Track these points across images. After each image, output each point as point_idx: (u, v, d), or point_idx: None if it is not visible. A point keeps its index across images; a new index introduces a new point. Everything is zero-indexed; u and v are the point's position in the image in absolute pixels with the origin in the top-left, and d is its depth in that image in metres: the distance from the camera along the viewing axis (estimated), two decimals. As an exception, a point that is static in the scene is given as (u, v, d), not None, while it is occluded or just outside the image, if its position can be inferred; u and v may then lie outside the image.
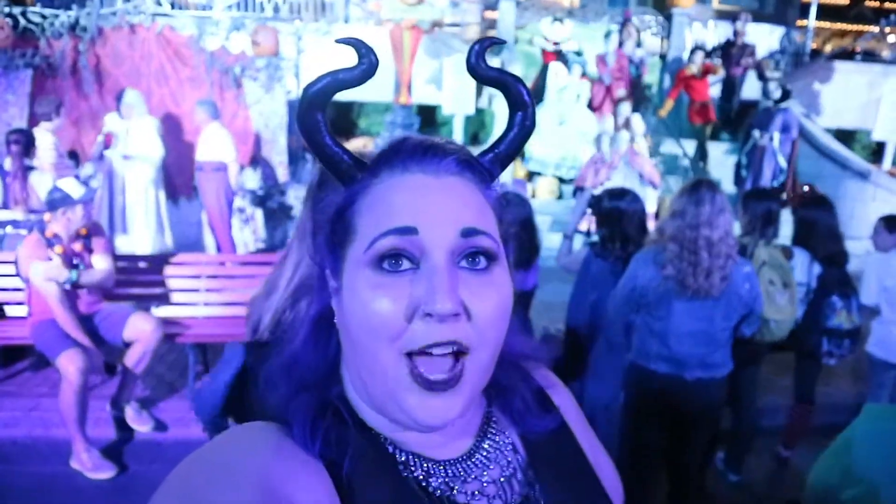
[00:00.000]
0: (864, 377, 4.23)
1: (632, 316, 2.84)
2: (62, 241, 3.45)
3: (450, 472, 0.68)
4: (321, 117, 0.65)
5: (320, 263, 0.70)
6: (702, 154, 8.94)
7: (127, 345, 3.65)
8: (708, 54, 9.18)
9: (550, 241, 5.88)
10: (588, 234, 4.03)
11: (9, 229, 4.47)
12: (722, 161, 8.96)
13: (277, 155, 7.06)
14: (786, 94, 7.70)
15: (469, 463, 0.70)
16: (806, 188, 7.05)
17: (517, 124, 0.71)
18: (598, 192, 3.66)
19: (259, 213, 6.88)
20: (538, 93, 8.60)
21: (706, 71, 8.82)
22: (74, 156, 6.50)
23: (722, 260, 2.62)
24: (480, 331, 0.62)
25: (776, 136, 7.58)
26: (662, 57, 10.67)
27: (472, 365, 0.62)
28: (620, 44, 8.81)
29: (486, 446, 0.72)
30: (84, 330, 3.49)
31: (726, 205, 2.67)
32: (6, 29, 6.59)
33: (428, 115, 9.07)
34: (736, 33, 9.40)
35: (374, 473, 0.65)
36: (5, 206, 4.67)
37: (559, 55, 8.97)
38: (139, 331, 3.62)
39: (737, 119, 9.53)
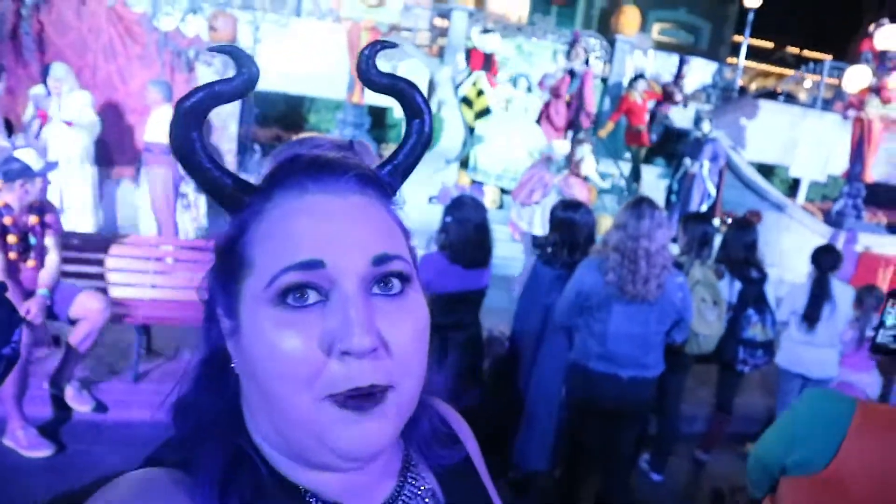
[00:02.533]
0: (774, 392, 4.63)
1: (574, 319, 3.05)
2: (13, 211, 3.37)
3: None
4: (197, 136, 0.58)
5: (209, 301, 0.63)
6: (636, 176, 9.43)
7: (72, 322, 3.58)
8: (648, 83, 9.72)
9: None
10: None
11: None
12: (654, 184, 9.47)
13: (226, 143, 6.98)
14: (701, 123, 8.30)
15: None
16: (729, 218, 7.55)
17: (415, 132, 0.67)
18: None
19: (202, 201, 6.79)
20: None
21: (648, 97, 9.32)
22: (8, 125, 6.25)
23: (658, 269, 2.88)
24: (401, 364, 0.57)
25: (706, 164, 8.10)
26: (604, 80, 11.16)
27: (396, 397, 0.58)
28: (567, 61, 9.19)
29: (406, 492, 0.68)
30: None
31: (664, 220, 2.94)
32: (-57, -13, 6.27)
33: (378, 116, 9.17)
34: (680, 73, 10.01)
35: None
36: None
37: (488, 64, 9.20)
38: (86, 309, 3.56)
39: (666, 146, 10.12)
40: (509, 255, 6.76)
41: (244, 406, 0.63)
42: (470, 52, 9.30)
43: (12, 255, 3.41)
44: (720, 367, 4.14)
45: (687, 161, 8.22)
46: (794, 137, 10.97)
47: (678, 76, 10.17)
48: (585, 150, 6.85)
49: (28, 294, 3.47)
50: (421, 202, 6.49)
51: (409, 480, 0.69)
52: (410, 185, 0.69)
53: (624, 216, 2.96)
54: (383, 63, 8.36)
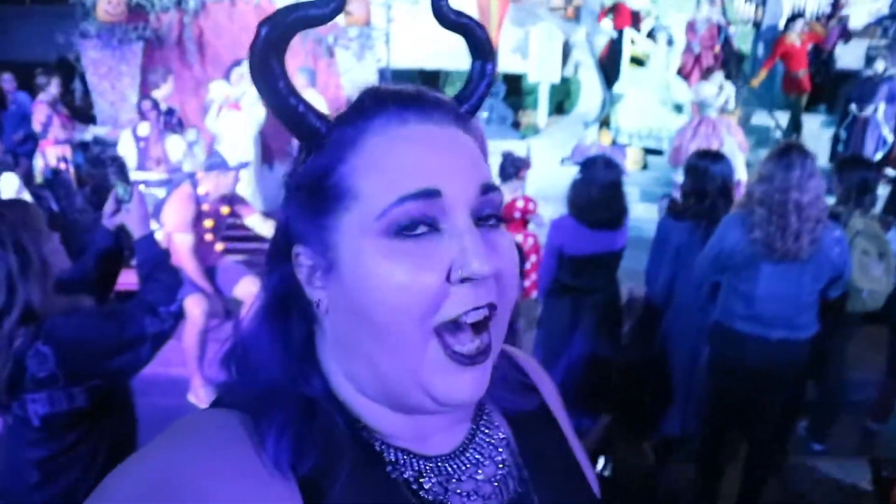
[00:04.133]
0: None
1: (717, 277, 2.89)
2: (208, 199, 3.81)
3: (444, 470, 0.62)
4: (276, 62, 0.57)
5: (281, 241, 0.62)
6: (795, 126, 8.60)
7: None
8: (807, 23, 8.79)
9: (636, 210, 5.88)
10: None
11: (141, 188, 4.93)
12: (817, 133, 8.59)
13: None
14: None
15: (463, 458, 0.64)
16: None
17: (486, 74, 0.66)
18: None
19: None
20: (612, 63, 8.47)
21: (808, 39, 8.43)
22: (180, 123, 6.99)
23: (811, 224, 2.62)
24: (503, 290, 0.58)
25: (881, 106, 7.22)
26: (756, 25, 10.24)
27: (495, 330, 0.58)
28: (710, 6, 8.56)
29: (478, 440, 0.66)
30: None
31: (816, 169, 2.66)
32: (121, 5, 7.09)
33: (513, 84, 9.12)
34: (837, 3, 8.94)
35: (361, 481, 0.57)
36: (141, 168, 5.16)
37: (635, 22, 8.78)
38: (248, 292, 3.93)
39: (832, 90, 9.10)
40: (653, 217, 6.49)
41: (321, 349, 0.63)
42: (617, 9, 8.92)
43: (208, 236, 3.86)
44: (892, 328, 3.72)
45: (853, 107, 7.36)
46: None
47: (835, 6, 9.05)
48: (720, 77, 6.37)
49: (209, 271, 3.91)
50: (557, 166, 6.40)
51: (483, 428, 0.68)
52: (546, 148, 0.69)
53: (770, 166, 2.71)
54: (515, 28, 8.36)
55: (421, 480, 0.60)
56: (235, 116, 6.11)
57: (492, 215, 0.58)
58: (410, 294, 0.53)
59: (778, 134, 8.56)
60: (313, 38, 7.00)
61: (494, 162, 4.55)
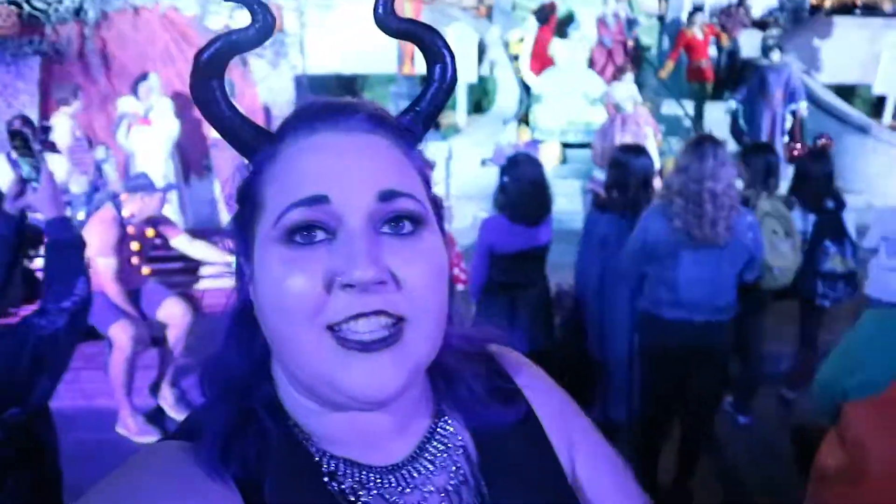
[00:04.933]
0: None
1: (642, 267, 3.01)
2: (133, 222, 3.66)
3: (386, 481, 0.60)
4: (216, 84, 0.59)
5: (235, 249, 0.63)
6: (699, 114, 9.03)
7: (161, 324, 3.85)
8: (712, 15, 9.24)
9: (558, 204, 6.02)
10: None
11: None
12: (723, 121, 9.04)
13: (285, 130, 7.18)
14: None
15: (410, 468, 0.62)
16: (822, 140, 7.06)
17: (437, 78, 0.65)
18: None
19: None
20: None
21: (710, 32, 8.86)
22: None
23: (725, 211, 2.77)
24: (414, 298, 0.55)
25: (778, 92, 7.67)
26: (660, 18, 10.68)
27: (412, 332, 0.55)
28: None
29: (431, 448, 0.64)
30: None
31: (728, 158, 2.82)
32: (12, 17, 6.67)
33: (431, 86, 9.13)
34: (740, -1, 9.43)
35: (296, 489, 0.57)
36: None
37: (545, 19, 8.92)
38: (171, 314, 3.81)
39: (737, 79, 9.60)
40: (574, 209, 6.67)
41: (273, 358, 0.63)
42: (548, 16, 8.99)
43: (135, 259, 3.70)
44: (801, 303, 3.98)
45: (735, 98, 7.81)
46: (876, 52, 10.18)
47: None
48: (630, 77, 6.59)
49: (133, 294, 3.75)
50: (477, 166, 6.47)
51: (437, 437, 0.65)
52: (467, 147, 0.67)
53: (685, 158, 2.86)
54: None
55: (360, 493, 0.59)
56: (147, 132, 5.87)
57: (403, 220, 0.57)
58: (296, 299, 0.54)
59: (687, 123, 8.96)
60: (225, 46, 6.81)
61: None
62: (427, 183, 0.63)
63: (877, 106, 10.76)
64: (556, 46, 8.66)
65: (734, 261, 2.89)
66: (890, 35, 10.20)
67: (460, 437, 0.66)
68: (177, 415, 3.95)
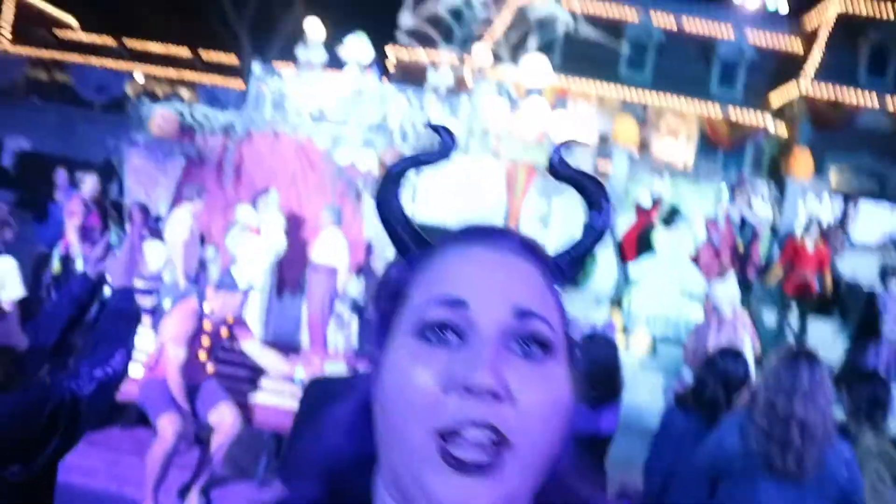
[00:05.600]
0: None
1: (712, 481, 2.70)
2: (211, 318, 3.79)
3: None
4: (395, 196, 0.67)
5: (373, 338, 0.66)
6: (802, 328, 8.56)
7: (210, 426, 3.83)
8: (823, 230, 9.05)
9: (640, 396, 5.72)
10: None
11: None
12: (829, 342, 8.49)
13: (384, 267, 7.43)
14: None
15: None
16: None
17: (593, 224, 0.70)
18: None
19: (355, 322, 7.13)
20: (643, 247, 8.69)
21: (820, 248, 8.62)
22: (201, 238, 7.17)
23: (817, 442, 2.46)
24: (525, 420, 0.54)
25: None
26: (773, 230, 10.55)
27: (513, 459, 0.54)
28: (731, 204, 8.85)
29: None
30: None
31: (826, 380, 2.55)
32: (174, 123, 7.58)
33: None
34: (846, 215, 9.24)
35: None
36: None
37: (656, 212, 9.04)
38: (221, 420, 3.80)
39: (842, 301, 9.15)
40: (656, 406, 6.30)
41: (375, 467, 0.62)
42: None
43: (203, 355, 3.79)
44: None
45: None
46: None
47: (843, 219, 9.33)
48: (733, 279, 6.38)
49: (192, 389, 3.76)
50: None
51: None
52: None
53: (776, 370, 2.62)
54: (538, 198, 8.64)
55: None
56: (255, 241, 6.25)
57: (534, 344, 0.58)
58: (409, 390, 0.55)
59: (789, 335, 8.50)
60: (345, 179, 7.33)
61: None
62: (565, 320, 0.64)
63: None
64: (659, 235, 8.69)
65: (821, 497, 2.53)
66: None
67: None
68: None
